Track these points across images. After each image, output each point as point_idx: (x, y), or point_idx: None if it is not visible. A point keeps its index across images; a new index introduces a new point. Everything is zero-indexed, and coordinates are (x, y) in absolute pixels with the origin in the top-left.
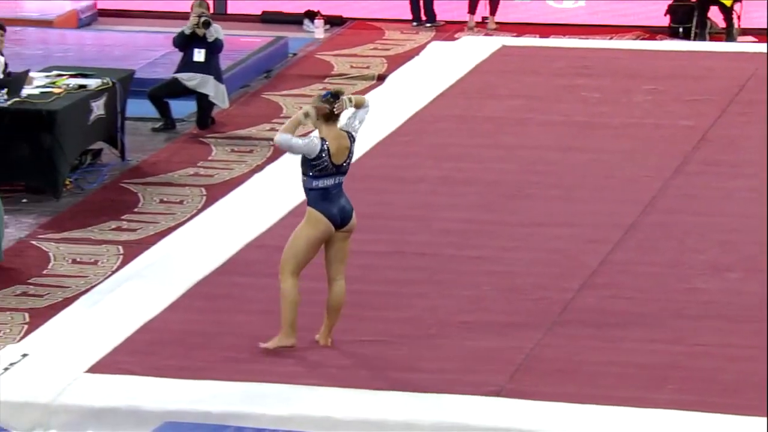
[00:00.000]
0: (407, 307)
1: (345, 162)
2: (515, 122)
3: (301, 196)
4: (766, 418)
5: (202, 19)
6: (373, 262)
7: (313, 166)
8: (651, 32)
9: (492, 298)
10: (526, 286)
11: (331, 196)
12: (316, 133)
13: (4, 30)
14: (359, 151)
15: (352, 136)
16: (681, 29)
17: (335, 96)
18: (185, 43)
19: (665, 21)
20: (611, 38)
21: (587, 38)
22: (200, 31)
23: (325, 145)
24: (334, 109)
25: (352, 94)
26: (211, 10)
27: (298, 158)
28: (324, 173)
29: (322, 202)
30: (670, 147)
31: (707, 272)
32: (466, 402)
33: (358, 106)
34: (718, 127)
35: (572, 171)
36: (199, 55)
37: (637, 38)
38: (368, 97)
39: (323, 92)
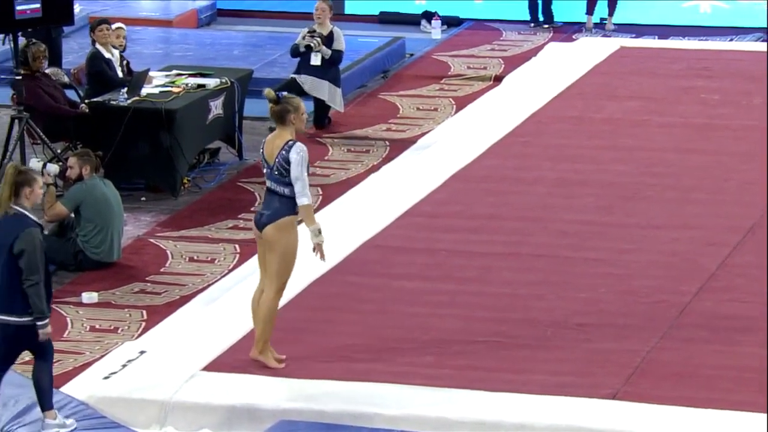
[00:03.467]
0: (523, 309)
1: (274, 164)
2: (633, 124)
3: (417, 196)
4: None
5: (306, 42)
6: (489, 263)
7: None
8: None
9: (608, 300)
10: (643, 288)
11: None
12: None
13: (107, 23)
14: (476, 151)
15: (293, 150)
16: None
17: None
18: (300, 55)
19: None
20: (731, 40)
21: (707, 39)
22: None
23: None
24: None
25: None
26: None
27: (409, 160)
28: None
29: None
30: None
31: None
32: (581, 405)
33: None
34: None
35: (690, 173)
36: (315, 59)
37: (758, 40)
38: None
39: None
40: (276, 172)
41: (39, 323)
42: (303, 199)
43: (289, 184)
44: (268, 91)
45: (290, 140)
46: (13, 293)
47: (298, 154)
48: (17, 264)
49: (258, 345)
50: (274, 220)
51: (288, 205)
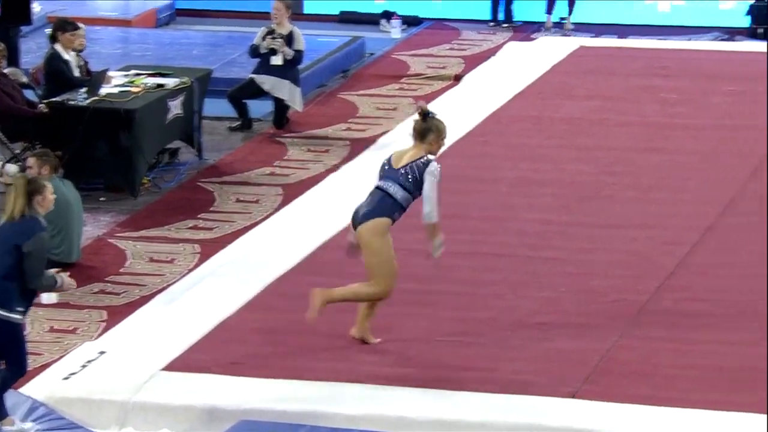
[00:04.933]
0: (484, 308)
1: (401, 169)
2: (592, 123)
3: None
4: None
5: (269, 45)
6: (450, 263)
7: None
8: (730, 33)
9: (568, 299)
10: (603, 287)
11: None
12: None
13: (77, 28)
14: None
15: (429, 168)
16: (761, 30)
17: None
18: (260, 56)
19: (745, 22)
20: (689, 39)
21: (665, 39)
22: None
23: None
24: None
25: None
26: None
27: (369, 160)
28: None
29: None
30: (748, 149)
31: None
32: (541, 403)
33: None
34: None
35: (649, 172)
36: (276, 59)
37: (715, 39)
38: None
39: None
40: (402, 177)
41: (57, 286)
42: (433, 216)
43: (407, 191)
44: (422, 104)
45: (429, 157)
46: (10, 289)
47: (437, 171)
48: (21, 263)
49: (363, 325)
50: (371, 219)
51: (391, 209)
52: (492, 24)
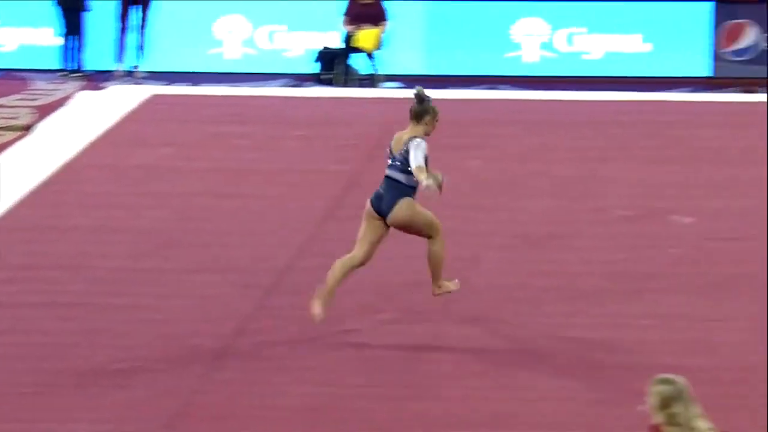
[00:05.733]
0: (60, 358)
1: (398, 154)
2: (166, 170)
3: None
4: None
5: None
6: (26, 314)
7: None
8: (299, 79)
9: (146, 346)
10: (181, 333)
11: (382, 183)
12: None
13: None
14: (7, 201)
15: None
16: (328, 76)
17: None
18: None
19: (313, 68)
20: (259, 85)
21: (239, 86)
22: None
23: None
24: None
25: None
26: None
27: None
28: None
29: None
30: (320, 191)
31: (359, 313)
32: None
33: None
34: (365, 171)
35: (224, 217)
36: None
37: (285, 85)
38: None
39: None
40: (398, 162)
41: None
42: (431, 184)
43: (406, 172)
44: (419, 89)
45: (415, 135)
46: None
47: (418, 140)
48: None
49: (438, 283)
50: (395, 203)
51: (405, 191)
52: (62, 73)
